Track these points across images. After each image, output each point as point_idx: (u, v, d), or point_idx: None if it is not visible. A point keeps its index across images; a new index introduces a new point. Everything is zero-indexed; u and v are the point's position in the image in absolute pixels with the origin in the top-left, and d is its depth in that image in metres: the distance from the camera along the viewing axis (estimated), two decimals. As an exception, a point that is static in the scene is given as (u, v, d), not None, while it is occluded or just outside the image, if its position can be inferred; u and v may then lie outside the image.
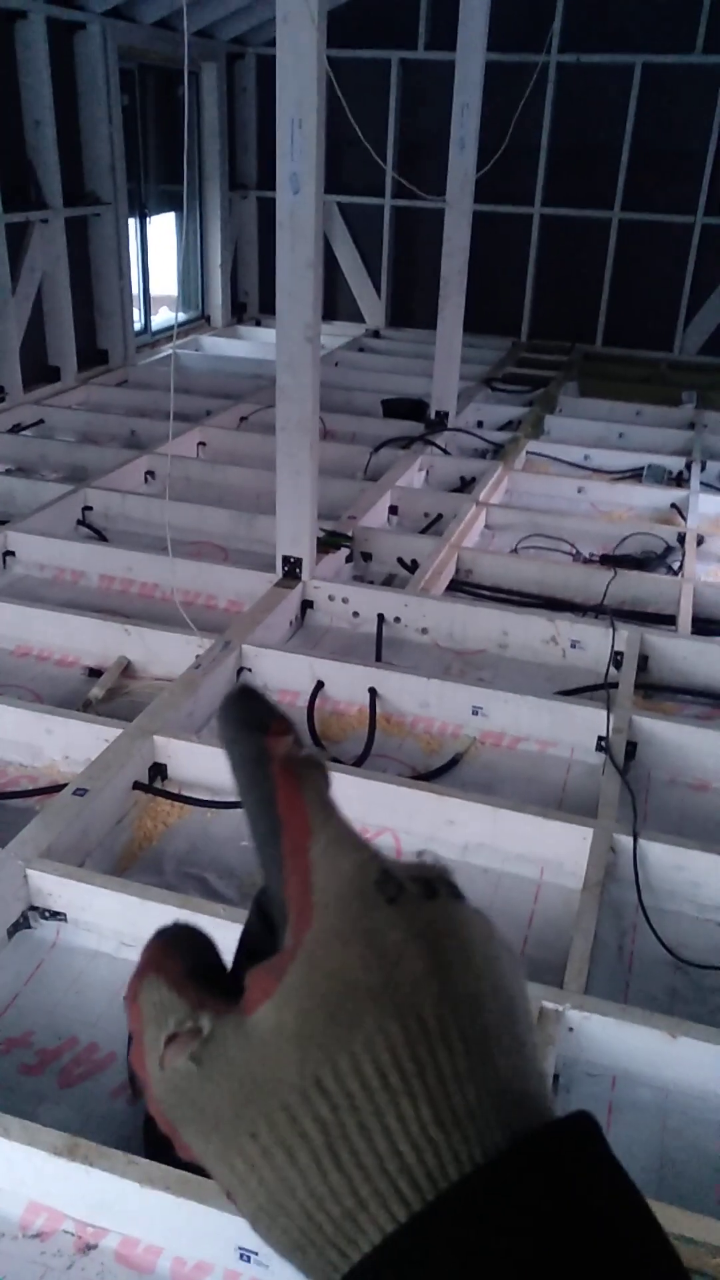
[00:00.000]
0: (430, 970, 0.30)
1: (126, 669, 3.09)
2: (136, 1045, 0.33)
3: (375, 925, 0.31)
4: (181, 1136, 0.32)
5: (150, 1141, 1.57)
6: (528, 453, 5.12)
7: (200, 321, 7.96)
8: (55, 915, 2.07)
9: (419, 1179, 0.28)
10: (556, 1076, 1.75)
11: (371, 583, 3.72)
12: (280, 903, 0.33)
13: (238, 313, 8.24)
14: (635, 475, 4.92)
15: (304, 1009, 0.30)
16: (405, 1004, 0.29)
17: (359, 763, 2.70)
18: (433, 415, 5.36)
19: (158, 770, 2.54)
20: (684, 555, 3.93)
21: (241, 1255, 1.41)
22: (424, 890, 0.32)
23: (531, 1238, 0.27)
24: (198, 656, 2.93)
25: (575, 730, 2.79)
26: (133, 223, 6.65)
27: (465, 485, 4.72)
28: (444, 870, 0.34)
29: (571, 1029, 1.82)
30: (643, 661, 3.13)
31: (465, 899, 0.33)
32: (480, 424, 5.59)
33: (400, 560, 3.85)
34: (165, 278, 7.81)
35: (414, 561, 3.77)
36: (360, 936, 0.31)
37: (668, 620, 3.45)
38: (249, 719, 0.35)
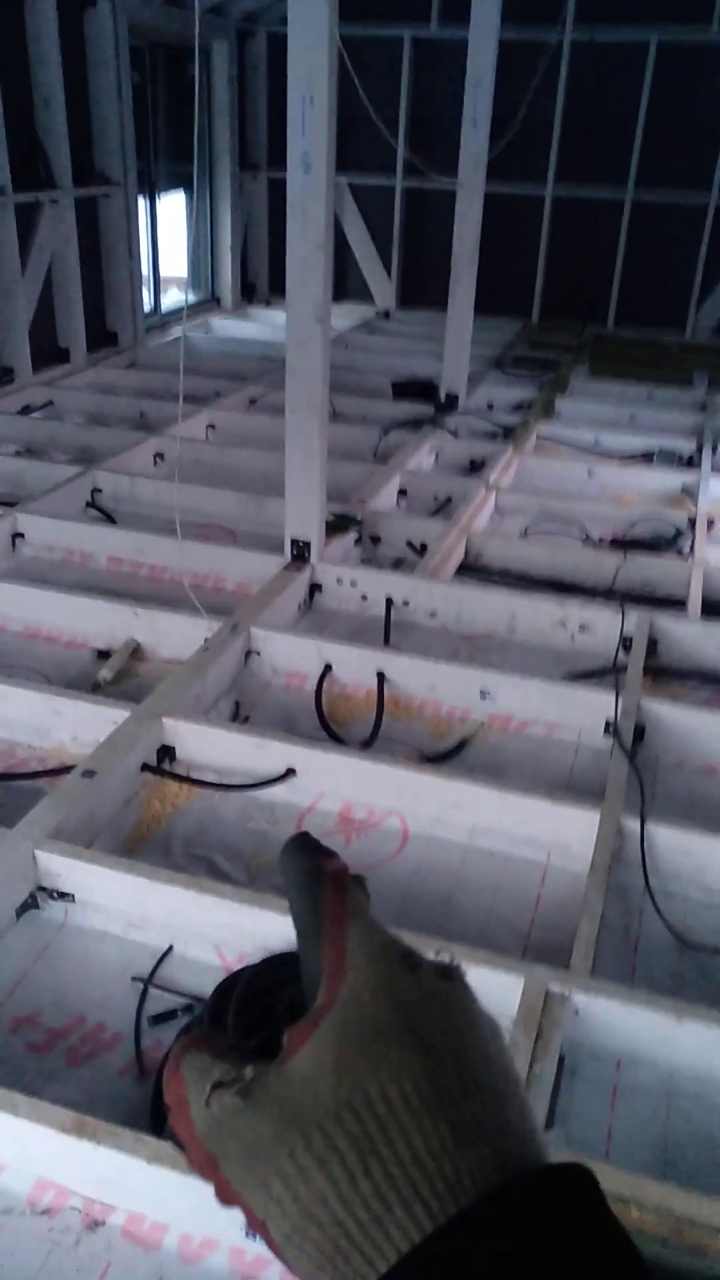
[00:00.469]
0: (445, 1024, 0.36)
1: (135, 651, 3.09)
2: (178, 1110, 0.38)
3: (400, 983, 0.37)
4: (221, 1168, 0.36)
5: (157, 1119, 1.59)
6: (538, 435, 5.09)
7: (210, 303, 7.93)
8: (63, 896, 2.08)
9: (439, 1187, 0.32)
10: (562, 1059, 1.75)
11: (380, 566, 3.71)
12: (315, 977, 0.39)
13: (247, 294, 8.21)
14: (646, 458, 4.89)
15: (339, 1046, 0.35)
16: (426, 1044, 0.35)
17: (367, 746, 2.70)
18: (443, 397, 5.33)
19: (166, 752, 2.55)
20: (694, 538, 3.91)
21: (247, 1232, 1.42)
22: (441, 972, 0.39)
23: (545, 1255, 0.30)
24: (206, 639, 2.93)
25: (583, 714, 2.78)
26: (142, 202, 6.62)
27: (475, 468, 4.70)
28: (458, 966, 0.40)
29: (577, 1011, 1.82)
30: (652, 645, 3.12)
31: (473, 994, 0.39)
32: (490, 406, 5.56)
33: (409, 543, 3.84)
34: (175, 258, 7.78)
35: (423, 545, 3.76)
36: (387, 989, 0.37)
37: (677, 604, 3.43)
38: (309, 848, 0.43)
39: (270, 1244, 0.35)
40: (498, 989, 1.83)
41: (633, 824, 2.26)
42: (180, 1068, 0.38)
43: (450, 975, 0.39)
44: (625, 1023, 1.82)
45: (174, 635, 3.06)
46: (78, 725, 2.60)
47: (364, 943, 0.39)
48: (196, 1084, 0.37)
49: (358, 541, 3.81)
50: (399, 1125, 0.33)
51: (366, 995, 0.36)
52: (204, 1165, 0.37)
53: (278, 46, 7.38)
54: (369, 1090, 0.33)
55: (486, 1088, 0.35)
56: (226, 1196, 0.36)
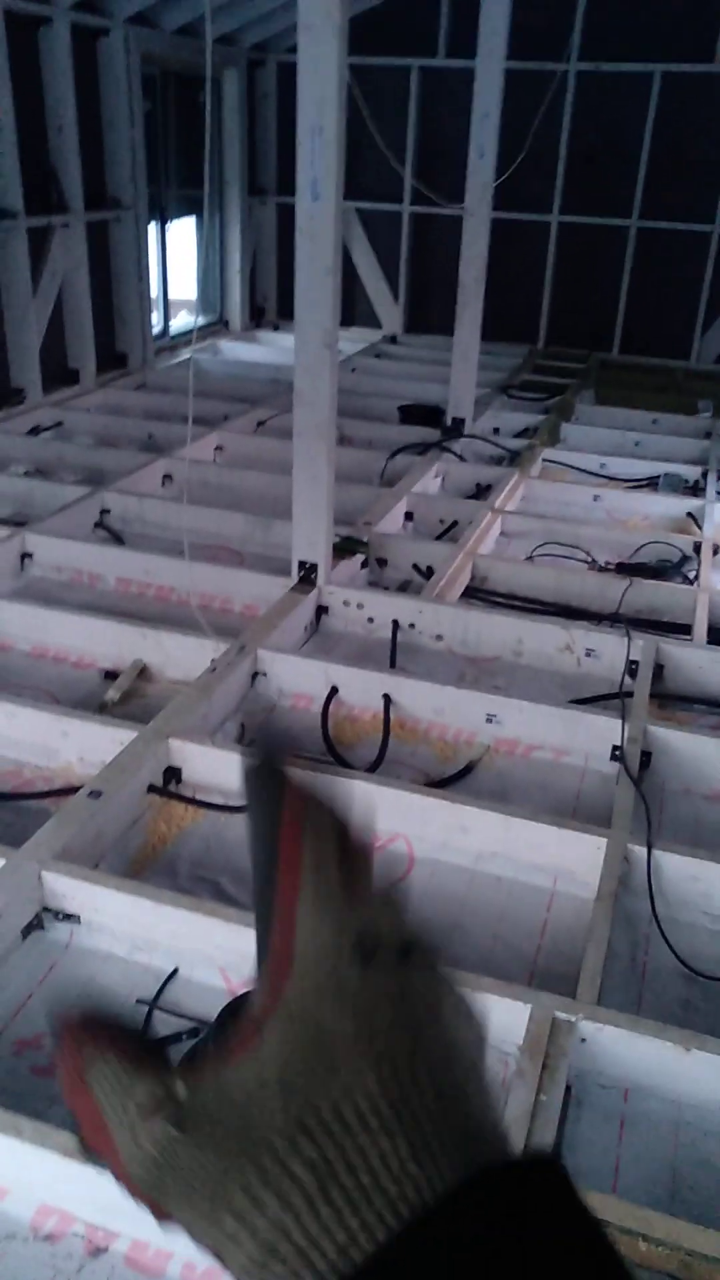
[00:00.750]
0: (399, 1026, 0.32)
1: (142, 672, 3.10)
2: (94, 1130, 0.33)
3: (350, 983, 0.33)
4: (164, 1207, 0.32)
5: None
6: (544, 460, 5.11)
7: (218, 326, 7.99)
8: (69, 917, 2.07)
9: (403, 1211, 0.29)
10: (569, 1088, 1.74)
11: (386, 589, 3.72)
12: (264, 952, 0.35)
13: (256, 317, 8.27)
14: (651, 484, 4.91)
15: (285, 1059, 0.32)
16: (379, 1053, 0.32)
17: (372, 769, 2.70)
18: (449, 422, 5.36)
19: (172, 774, 2.55)
20: (700, 564, 3.92)
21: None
22: (400, 953, 0.34)
23: (505, 1255, 0.28)
24: (213, 660, 2.93)
25: (590, 739, 2.78)
26: (152, 227, 6.68)
27: (481, 492, 4.72)
28: (420, 937, 0.36)
29: (584, 1040, 1.81)
30: (658, 671, 3.12)
31: (438, 963, 0.36)
32: (497, 431, 5.59)
33: (415, 566, 3.85)
34: (184, 282, 7.85)
35: (429, 568, 3.77)
36: (335, 992, 0.33)
37: (683, 629, 3.43)
38: (268, 780, 0.38)
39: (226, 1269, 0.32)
40: (504, 1016, 1.82)
41: (639, 850, 2.25)
42: (86, 1081, 0.34)
43: (409, 953, 0.35)
44: (633, 1052, 1.80)
45: (181, 656, 3.07)
46: (84, 746, 2.61)
47: (315, 927, 0.34)
48: (116, 1108, 0.33)
49: (364, 564, 3.82)
50: (356, 1146, 0.30)
51: (312, 999, 0.33)
52: (139, 1196, 0.33)
53: (287, 75, 7.48)
54: (321, 1109, 0.30)
55: (447, 1090, 0.32)
56: (166, 1221, 0.33)
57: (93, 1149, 0.34)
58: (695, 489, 4.86)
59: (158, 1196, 0.32)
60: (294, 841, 0.36)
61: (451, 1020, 0.34)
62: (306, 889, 0.35)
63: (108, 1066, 0.34)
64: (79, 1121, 0.34)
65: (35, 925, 2.07)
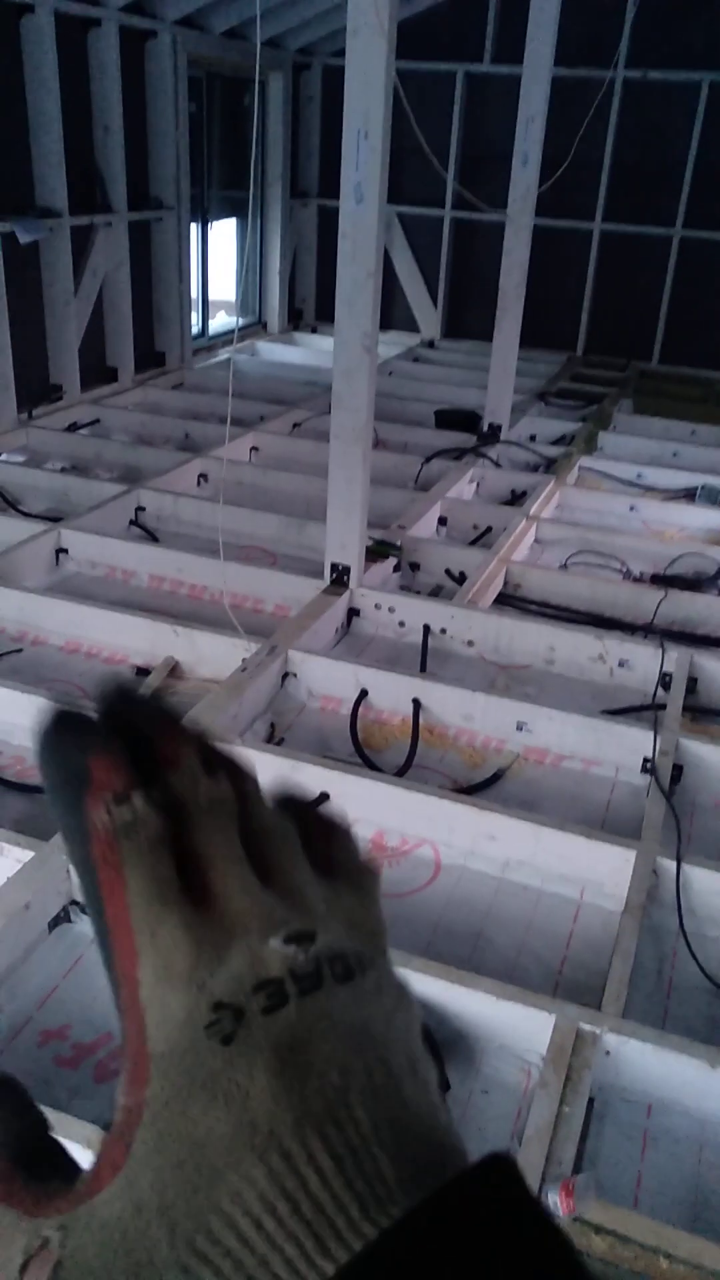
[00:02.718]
0: (279, 1095, 0.28)
1: (174, 669, 3.11)
2: None
3: (212, 1073, 0.28)
4: None
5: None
6: (580, 468, 5.08)
7: (257, 327, 8.03)
8: (95, 911, 2.08)
9: None
10: (591, 1101, 1.73)
11: (418, 593, 3.72)
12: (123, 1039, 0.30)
13: (294, 319, 8.29)
14: (689, 495, 4.87)
15: (159, 1181, 0.27)
16: (262, 1144, 0.27)
17: (401, 773, 2.70)
18: (486, 427, 5.35)
19: (201, 772, 2.55)
20: (736, 577, 3.88)
21: None
22: (270, 998, 0.29)
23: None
24: (244, 660, 2.94)
25: (621, 750, 2.76)
26: (194, 227, 6.73)
27: (516, 499, 4.70)
28: (338, 957, 0.30)
29: (609, 1052, 1.79)
30: (691, 684, 3.09)
31: (329, 972, 0.29)
32: (533, 438, 5.57)
33: (448, 571, 3.84)
34: (224, 283, 7.89)
35: (462, 573, 3.76)
36: (201, 1090, 0.28)
37: (718, 643, 3.40)
38: (67, 761, 0.29)
39: None
40: (528, 1025, 1.81)
41: (669, 864, 2.23)
42: None
43: (285, 994, 0.29)
44: (657, 1067, 1.79)
45: (212, 655, 3.08)
46: (115, 741, 2.62)
47: (161, 1011, 0.28)
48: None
49: (397, 568, 3.82)
50: (257, 1258, 0.26)
51: (176, 1106, 0.28)
52: None
53: (332, 78, 7.51)
54: (212, 1227, 0.27)
55: (349, 1160, 0.27)
56: None
57: None
58: (732, 501, 4.80)
59: None
60: (111, 877, 0.28)
61: (351, 1040, 0.29)
62: (143, 955, 0.29)
63: None
64: None
65: (62, 918, 2.09)
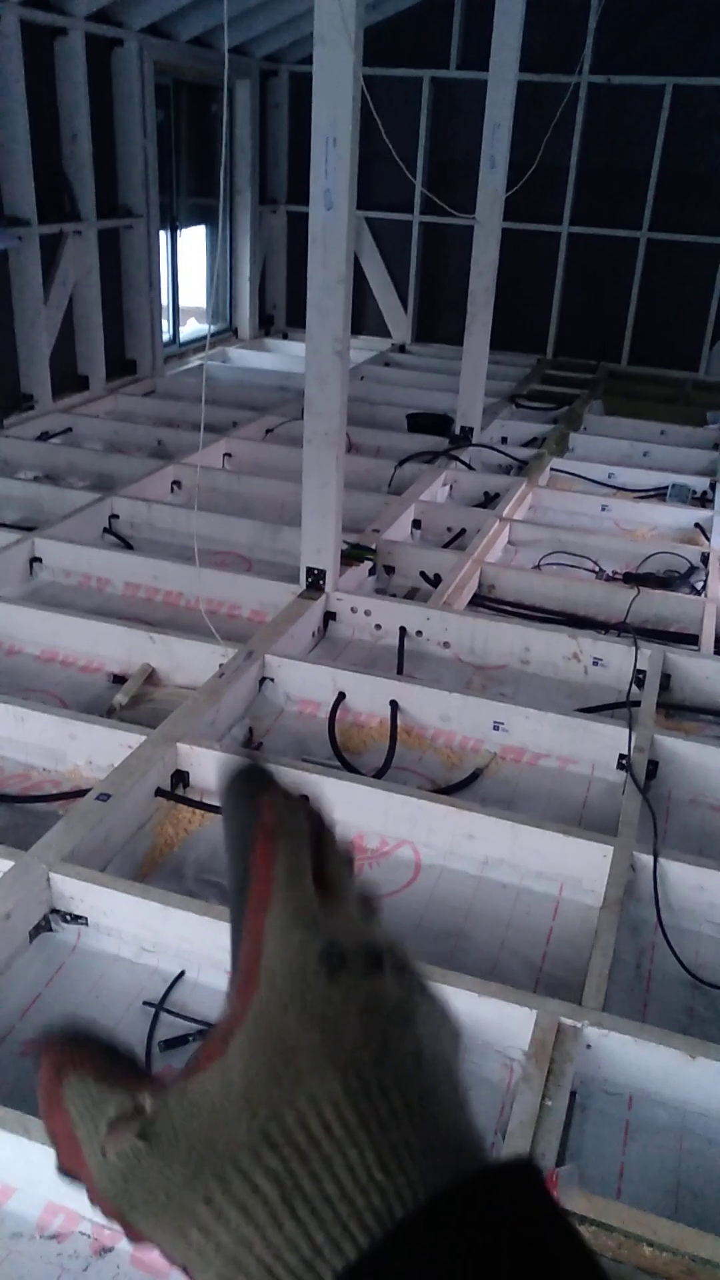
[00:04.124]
0: (366, 1035, 0.32)
1: (150, 676, 3.11)
2: (68, 1149, 0.33)
3: (316, 994, 0.33)
4: (133, 1222, 0.32)
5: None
6: (552, 469, 5.12)
7: (228, 334, 8.03)
8: (77, 919, 2.08)
9: (369, 1222, 0.29)
10: (573, 1094, 1.74)
11: (394, 596, 3.73)
12: (235, 962, 0.35)
13: (265, 325, 8.30)
14: (659, 494, 4.92)
15: (250, 1070, 0.31)
16: (345, 1063, 0.31)
17: (379, 775, 2.71)
18: (457, 431, 5.38)
19: (180, 777, 2.56)
20: (707, 575, 3.92)
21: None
22: (367, 965, 0.34)
23: (472, 1265, 0.27)
24: (221, 665, 2.95)
25: (596, 748, 2.79)
26: (163, 235, 6.72)
27: (489, 501, 4.73)
28: (392, 944, 0.36)
29: (589, 1046, 1.81)
30: (665, 680, 3.13)
31: (411, 972, 0.35)
32: (505, 440, 5.61)
33: (423, 574, 3.86)
34: (194, 290, 7.89)
35: (436, 575, 3.78)
36: (301, 1003, 0.33)
37: (690, 640, 3.44)
38: (246, 789, 0.38)
39: None
40: (510, 1021, 1.83)
41: (646, 859, 2.26)
42: (62, 1101, 0.34)
43: (379, 963, 0.34)
44: (637, 1059, 1.81)
45: (189, 661, 3.08)
46: (93, 749, 2.62)
47: (282, 941, 0.34)
48: (87, 1122, 0.33)
49: (372, 571, 3.84)
50: (322, 1157, 0.30)
51: (277, 1011, 0.32)
52: (110, 1212, 0.32)
53: (299, 85, 7.53)
54: (286, 1120, 0.30)
55: (417, 1098, 0.31)
56: (138, 1240, 0.32)
57: (67, 1168, 0.34)
58: (703, 500, 4.87)
59: (127, 1212, 0.32)
60: (266, 854, 0.36)
61: (423, 1029, 0.34)
62: (276, 903, 0.35)
63: (82, 1084, 0.34)
64: (55, 1142, 0.34)
65: (43, 927, 2.08)
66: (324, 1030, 0.32)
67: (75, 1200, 1.51)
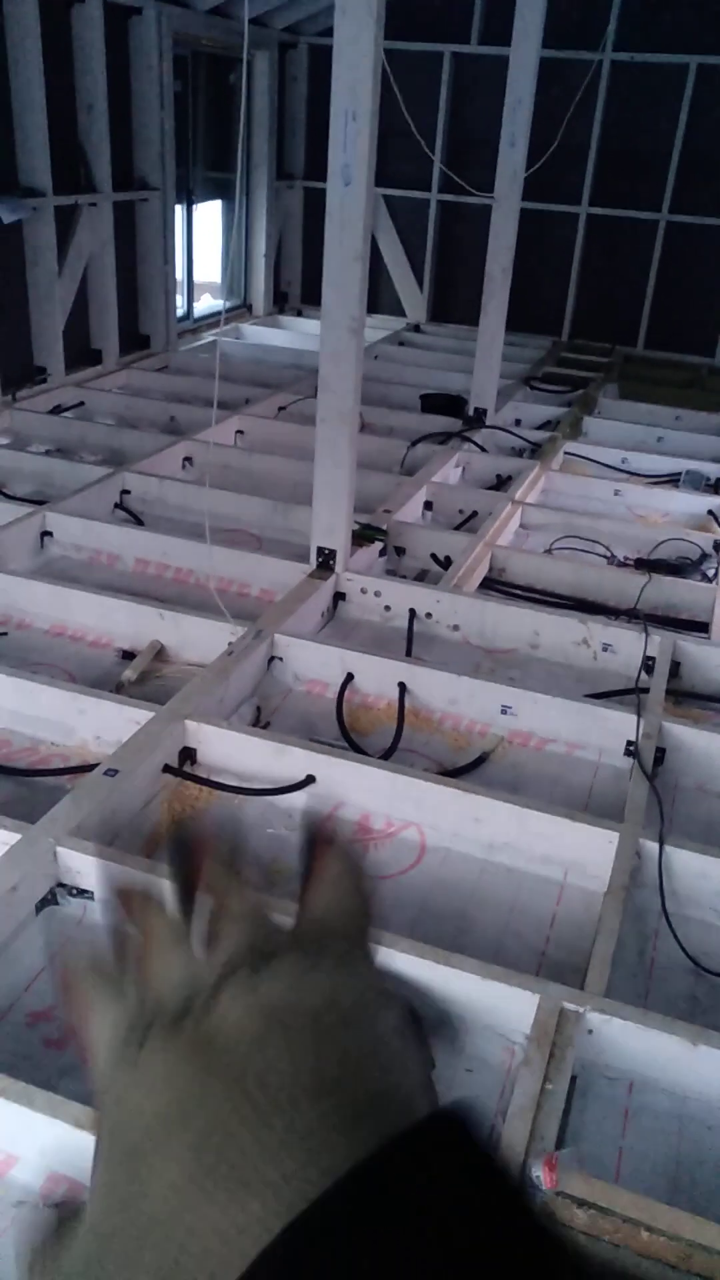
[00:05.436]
0: (201, 1080, 0.33)
1: (159, 653, 3.11)
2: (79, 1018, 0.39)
3: (134, 1075, 0.35)
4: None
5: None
6: (565, 453, 5.09)
7: (242, 310, 7.98)
8: (83, 893, 2.09)
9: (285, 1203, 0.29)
10: (574, 1078, 1.75)
11: (404, 577, 3.72)
12: None
13: (279, 302, 8.25)
14: (673, 480, 4.89)
15: (109, 1167, 0.34)
16: (185, 1123, 0.32)
17: (386, 756, 2.71)
18: (471, 412, 5.35)
19: (187, 754, 2.56)
20: (719, 563, 3.90)
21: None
22: (178, 1011, 0.35)
23: (387, 1232, 0.27)
24: (230, 643, 2.94)
25: (604, 734, 2.78)
26: (179, 209, 6.67)
27: (501, 483, 4.71)
28: (254, 944, 0.38)
29: (591, 1031, 1.82)
30: (674, 668, 3.12)
31: (237, 973, 0.36)
32: (518, 422, 5.57)
33: (434, 556, 3.85)
34: (209, 265, 7.84)
35: (447, 558, 3.76)
36: (120, 1091, 0.35)
37: (701, 627, 3.43)
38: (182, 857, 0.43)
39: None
40: (512, 1005, 1.83)
41: (651, 846, 2.26)
42: (93, 1007, 0.39)
43: (188, 1009, 0.35)
44: (639, 1045, 1.81)
45: (198, 638, 3.08)
46: (101, 725, 2.62)
47: (99, 1046, 0.38)
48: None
49: (382, 552, 3.82)
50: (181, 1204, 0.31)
51: (114, 1108, 0.36)
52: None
53: (318, 58, 7.45)
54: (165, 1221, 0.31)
55: (300, 1094, 0.31)
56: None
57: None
58: (717, 487, 4.83)
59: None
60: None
61: (263, 1025, 0.34)
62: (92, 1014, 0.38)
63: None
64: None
65: (49, 900, 2.09)
66: (156, 1101, 0.33)
67: (78, 1170, 1.53)
